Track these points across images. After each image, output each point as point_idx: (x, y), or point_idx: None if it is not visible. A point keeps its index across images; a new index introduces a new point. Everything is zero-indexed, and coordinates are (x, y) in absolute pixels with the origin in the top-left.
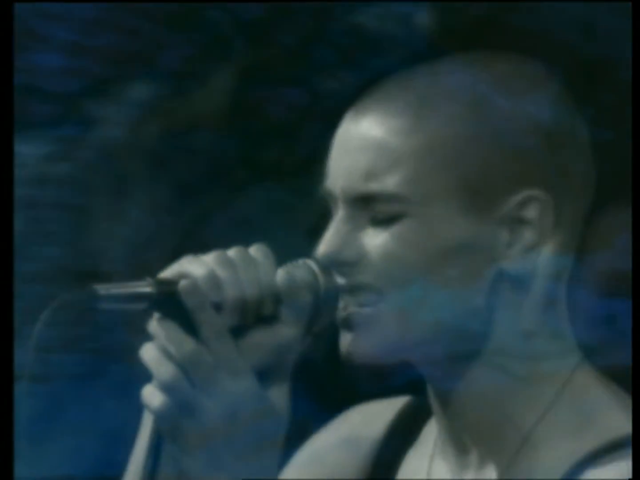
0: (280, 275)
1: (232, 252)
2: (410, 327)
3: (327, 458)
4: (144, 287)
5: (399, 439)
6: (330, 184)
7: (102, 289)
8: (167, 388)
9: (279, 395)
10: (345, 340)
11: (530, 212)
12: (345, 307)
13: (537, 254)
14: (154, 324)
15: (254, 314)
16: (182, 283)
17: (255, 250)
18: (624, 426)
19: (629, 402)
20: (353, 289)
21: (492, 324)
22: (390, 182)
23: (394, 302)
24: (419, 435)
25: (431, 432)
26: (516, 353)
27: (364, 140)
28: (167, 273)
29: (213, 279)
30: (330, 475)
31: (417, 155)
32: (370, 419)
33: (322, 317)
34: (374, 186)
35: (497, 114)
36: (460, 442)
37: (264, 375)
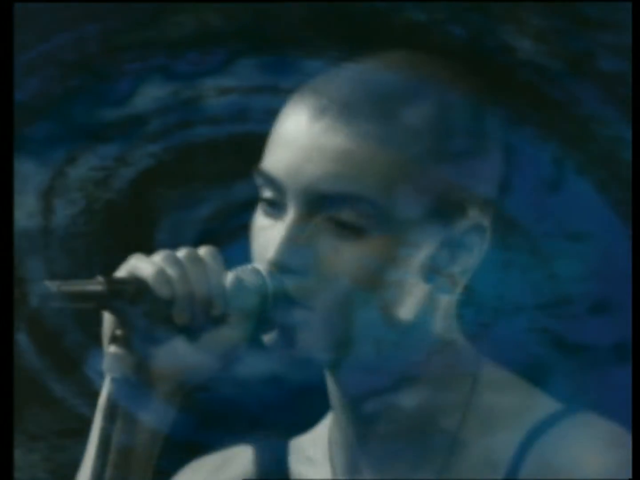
0: (229, 277)
1: (181, 252)
2: (339, 334)
3: None
4: (95, 285)
5: None
6: (280, 177)
7: (54, 285)
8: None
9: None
10: (281, 339)
11: (474, 239)
12: (285, 308)
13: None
14: None
15: (203, 314)
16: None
17: (203, 252)
18: (552, 405)
19: (536, 389)
20: (296, 294)
21: (417, 336)
22: (354, 186)
23: (328, 310)
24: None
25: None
26: (431, 362)
27: (327, 143)
28: (118, 272)
29: (162, 277)
30: None
31: (381, 166)
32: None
33: (269, 321)
34: (327, 188)
35: (456, 133)
36: (386, 453)
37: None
